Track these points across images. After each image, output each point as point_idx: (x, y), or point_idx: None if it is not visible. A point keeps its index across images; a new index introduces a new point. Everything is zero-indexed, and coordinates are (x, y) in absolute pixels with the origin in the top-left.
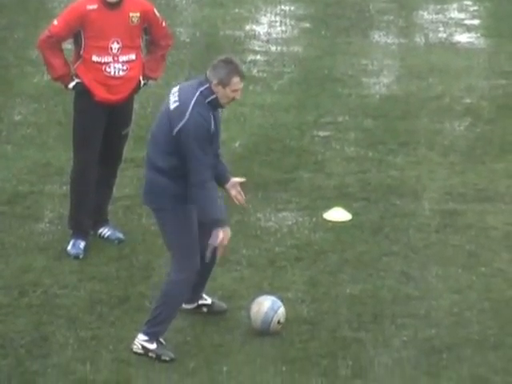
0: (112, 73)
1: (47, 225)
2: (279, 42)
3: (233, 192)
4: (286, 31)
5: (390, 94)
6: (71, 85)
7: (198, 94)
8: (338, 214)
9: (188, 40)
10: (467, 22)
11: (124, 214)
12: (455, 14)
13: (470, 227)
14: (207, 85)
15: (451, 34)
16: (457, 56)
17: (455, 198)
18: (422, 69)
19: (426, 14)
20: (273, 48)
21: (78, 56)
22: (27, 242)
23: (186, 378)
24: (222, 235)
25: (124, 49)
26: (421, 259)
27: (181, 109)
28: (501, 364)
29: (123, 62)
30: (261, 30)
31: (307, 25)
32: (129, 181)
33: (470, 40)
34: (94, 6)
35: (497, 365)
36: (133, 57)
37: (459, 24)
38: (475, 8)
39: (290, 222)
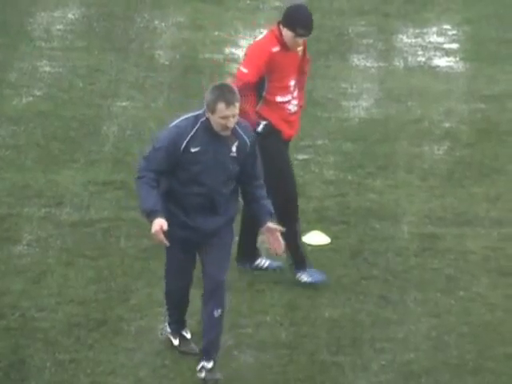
0: (292, 110)
1: (25, 247)
2: None
3: (270, 238)
4: None
5: (370, 117)
6: (260, 128)
7: (192, 114)
8: (316, 238)
9: (167, 63)
10: (446, 45)
11: (103, 236)
12: (434, 38)
13: (449, 251)
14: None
15: (430, 58)
16: (436, 80)
17: (434, 221)
18: (401, 92)
19: (405, 37)
20: None
21: (259, 97)
22: (5, 264)
23: None
24: (153, 228)
25: (296, 84)
26: (400, 283)
27: None
28: None
29: (295, 97)
30: (240, 53)
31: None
32: (108, 203)
33: (449, 64)
34: (277, 48)
35: None
36: (299, 91)
37: (438, 48)
38: (454, 32)
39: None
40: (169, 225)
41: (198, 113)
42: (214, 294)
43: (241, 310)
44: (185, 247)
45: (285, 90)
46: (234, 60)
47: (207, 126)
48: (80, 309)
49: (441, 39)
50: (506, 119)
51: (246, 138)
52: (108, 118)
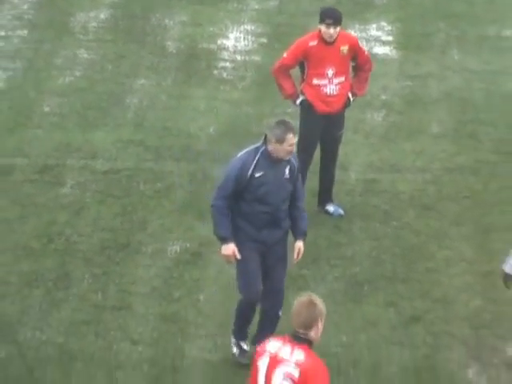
0: (328, 92)
1: (68, 189)
2: (243, 52)
3: (295, 252)
4: (248, 45)
5: None
6: (298, 101)
7: (252, 147)
8: None
9: (174, 51)
10: (383, 38)
11: (126, 181)
12: (374, 32)
13: (385, 192)
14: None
15: (371, 47)
16: (375, 64)
17: (374, 169)
18: None
19: (352, 32)
20: (238, 57)
21: (303, 79)
22: (53, 202)
23: (172, 303)
24: (223, 251)
25: (337, 74)
26: (348, 215)
27: None
28: (407, 293)
29: (336, 83)
30: (229, 43)
31: (264, 40)
32: (130, 156)
33: (386, 52)
34: (315, 43)
35: (404, 294)
36: (343, 79)
37: (377, 40)
38: (389, 28)
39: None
40: (241, 239)
41: (256, 146)
42: (278, 298)
43: None
44: (255, 257)
45: (320, 75)
46: (225, 49)
47: (266, 155)
48: (109, 235)
49: (379, 33)
50: (427, 93)
51: (294, 162)
52: (130, 93)
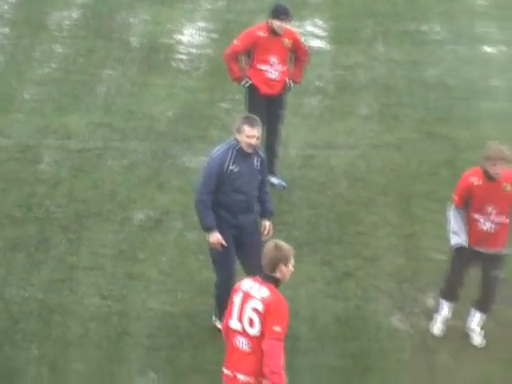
0: (271, 77)
1: (46, 166)
2: (197, 46)
3: (264, 230)
4: (201, 40)
5: None
6: (243, 83)
7: (226, 144)
8: None
9: (138, 46)
10: (318, 33)
11: (97, 158)
12: (310, 28)
13: (321, 166)
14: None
15: (308, 41)
16: (312, 55)
17: (311, 146)
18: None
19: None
20: (193, 51)
21: (249, 64)
22: (33, 176)
23: (137, 264)
24: (209, 239)
25: (279, 62)
26: (289, 186)
27: None
28: (340, 253)
29: (277, 70)
30: (185, 39)
31: (215, 35)
32: (100, 137)
33: (320, 45)
34: (263, 33)
35: (338, 253)
36: (284, 67)
37: (313, 35)
38: (323, 24)
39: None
40: (222, 227)
41: (231, 142)
42: (258, 270)
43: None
44: (230, 243)
45: (265, 62)
46: (181, 43)
47: (240, 151)
48: (83, 205)
49: (314, 29)
50: (356, 81)
51: (261, 155)
52: (99, 82)
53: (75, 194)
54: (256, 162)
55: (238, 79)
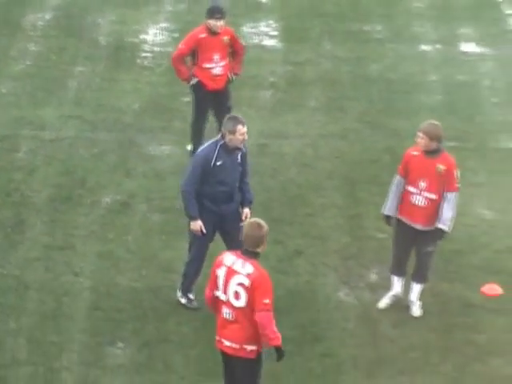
0: (216, 73)
1: (22, 154)
2: (160, 45)
3: (243, 216)
4: (163, 39)
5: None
6: (192, 82)
7: (212, 141)
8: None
9: (105, 44)
10: (271, 33)
11: (69, 147)
12: (263, 28)
13: (274, 154)
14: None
15: (261, 40)
16: (265, 53)
17: (265, 136)
18: (244, 60)
19: (246, 28)
20: (156, 49)
21: (194, 64)
22: (11, 164)
23: (106, 243)
24: (192, 226)
25: (222, 58)
26: (252, 167)
27: None
28: (291, 233)
29: (221, 65)
30: (149, 38)
31: (176, 35)
32: (71, 128)
33: (273, 44)
34: (204, 35)
35: (289, 233)
36: (225, 62)
37: (266, 34)
38: (275, 24)
39: (168, 152)
40: (203, 216)
41: (215, 140)
42: None
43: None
44: (213, 229)
45: (209, 60)
46: (145, 42)
47: (224, 147)
48: (56, 190)
49: (267, 29)
50: (305, 76)
51: (244, 150)
52: (70, 77)
53: (49, 180)
54: (238, 155)
55: (187, 79)
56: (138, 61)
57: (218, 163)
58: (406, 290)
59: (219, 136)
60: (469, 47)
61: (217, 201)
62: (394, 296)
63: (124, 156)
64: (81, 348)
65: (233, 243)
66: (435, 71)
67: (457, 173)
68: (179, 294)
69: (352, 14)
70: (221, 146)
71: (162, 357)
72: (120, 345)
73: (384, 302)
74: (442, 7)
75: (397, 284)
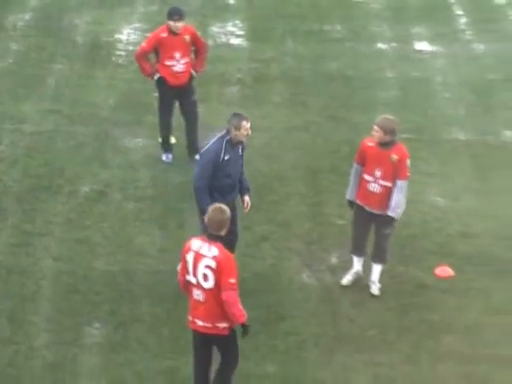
0: (177, 70)
1: (4, 147)
2: (133, 44)
3: (244, 204)
4: (136, 38)
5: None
6: (155, 78)
7: (218, 137)
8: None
9: (82, 43)
10: (237, 32)
11: (48, 139)
12: (230, 28)
13: None
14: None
15: (229, 39)
16: (232, 51)
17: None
18: (214, 58)
19: (214, 28)
20: (130, 47)
21: (157, 61)
22: None
23: (83, 230)
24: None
25: (183, 56)
26: None
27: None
28: (258, 219)
29: (183, 63)
30: (123, 37)
31: (148, 34)
32: (50, 122)
33: (239, 42)
34: (165, 34)
35: (256, 220)
36: (187, 60)
37: (233, 34)
38: (241, 25)
39: (141, 144)
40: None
41: (221, 135)
42: (235, 234)
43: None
44: None
45: (171, 58)
46: (120, 41)
47: (230, 142)
48: (36, 180)
49: (234, 29)
50: (270, 73)
51: (244, 143)
52: (49, 75)
53: (29, 171)
54: (240, 148)
55: (150, 75)
56: (113, 59)
57: (226, 158)
58: (366, 270)
59: (224, 132)
60: (422, 46)
61: (224, 193)
62: (355, 273)
63: (100, 148)
64: (60, 328)
65: (231, 226)
66: (391, 68)
67: (408, 162)
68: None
69: (313, 15)
70: (227, 141)
71: (136, 336)
72: (97, 325)
73: (346, 279)
74: (397, 8)
75: (357, 263)
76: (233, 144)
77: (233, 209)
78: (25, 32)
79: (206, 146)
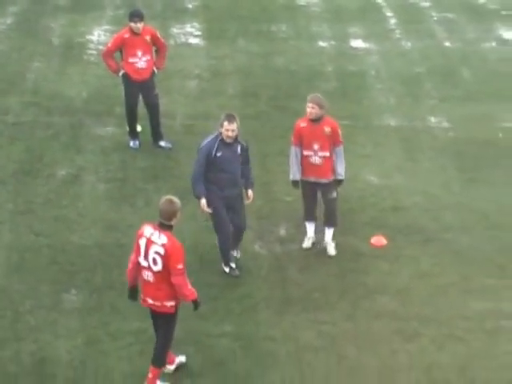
0: (139, 66)
1: None
2: (103, 44)
3: (248, 197)
4: (106, 39)
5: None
6: (120, 73)
7: (212, 136)
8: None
9: (58, 44)
10: (195, 33)
11: (29, 130)
12: (189, 29)
13: (199, 133)
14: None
15: (187, 39)
16: (191, 49)
17: (192, 118)
18: (173, 56)
19: (175, 29)
20: (100, 47)
21: (122, 59)
22: None
23: (61, 209)
24: (200, 205)
25: (144, 54)
26: (175, 148)
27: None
28: None
29: (144, 60)
30: (94, 38)
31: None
32: (31, 114)
33: (197, 42)
34: (128, 35)
35: None
36: (149, 57)
37: (191, 34)
38: (199, 26)
39: (112, 132)
40: (213, 198)
41: (216, 134)
42: (241, 230)
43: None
44: (224, 209)
45: (134, 55)
46: (91, 42)
47: (222, 140)
48: (18, 165)
49: (192, 29)
50: (224, 68)
51: (243, 143)
52: (29, 72)
53: (12, 157)
54: (238, 148)
55: (115, 72)
56: (85, 57)
57: (218, 154)
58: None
59: (218, 131)
60: (357, 43)
61: (221, 185)
62: (310, 238)
63: (75, 136)
64: (41, 295)
65: (235, 218)
66: (330, 63)
67: (339, 131)
68: (223, 265)
69: (262, 17)
70: (220, 139)
71: (108, 301)
72: (74, 292)
73: (306, 243)
74: (335, 11)
75: (310, 229)
76: (225, 142)
77: (236, 201)
78: (7, 34)
79: (203, 143)
